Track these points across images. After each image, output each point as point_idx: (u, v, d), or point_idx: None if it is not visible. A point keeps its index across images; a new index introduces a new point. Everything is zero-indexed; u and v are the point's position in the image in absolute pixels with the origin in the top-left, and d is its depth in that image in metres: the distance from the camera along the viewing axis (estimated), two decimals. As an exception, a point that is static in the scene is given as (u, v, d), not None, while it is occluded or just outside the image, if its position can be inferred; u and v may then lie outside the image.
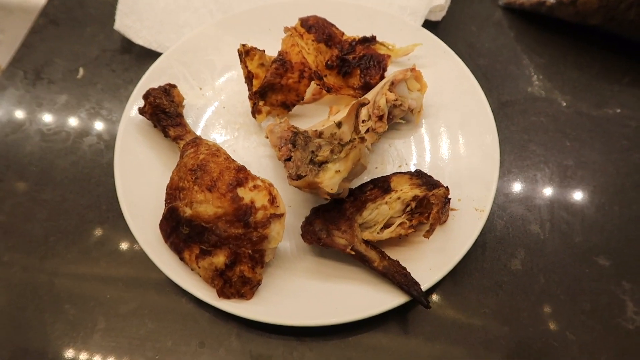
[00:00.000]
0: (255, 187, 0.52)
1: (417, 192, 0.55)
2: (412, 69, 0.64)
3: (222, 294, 0.51)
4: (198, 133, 0.65)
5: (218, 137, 0.66)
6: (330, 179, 0.50)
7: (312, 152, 0.53)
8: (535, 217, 0.61)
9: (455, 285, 0.57)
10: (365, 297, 0.52)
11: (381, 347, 0.53)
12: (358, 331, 0.54)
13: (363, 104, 0.55)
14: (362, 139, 0.51)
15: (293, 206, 0.60)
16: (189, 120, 0.66)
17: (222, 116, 0.67)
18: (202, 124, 0.67)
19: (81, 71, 0.74)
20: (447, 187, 0.56)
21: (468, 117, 0.64)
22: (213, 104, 0.68)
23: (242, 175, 0.52)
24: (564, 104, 0.70)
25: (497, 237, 0.60)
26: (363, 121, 0.61)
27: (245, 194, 0.51)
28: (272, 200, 0.51)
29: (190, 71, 0.69)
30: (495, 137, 0.61)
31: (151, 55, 0.72)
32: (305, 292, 0.54)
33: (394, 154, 0.64)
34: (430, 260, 0.54)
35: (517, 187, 0.63)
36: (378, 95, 0.61)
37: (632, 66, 0.73)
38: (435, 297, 0.56)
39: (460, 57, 0.69)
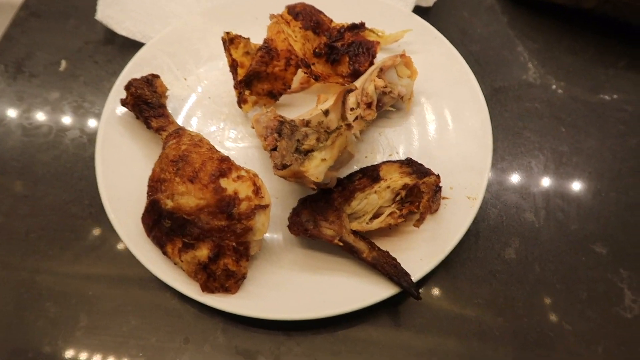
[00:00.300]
0: (239, 177, 0.50)
1: (407, 180, 0.54)
2: (402, 55, 0.62)
3: (206, 288, 0.50)
4: (182, 124, 0.64)
5: (203, 127, 0.64)
6: (316, 168, 0.49)
7: (298, 140, 0.52)
8: (530, 205, 0.59)
9: (448, 275, 0.55)
10: (354, 290, 0.51)
11: (371, 341, 0.51)
12: (347, 324, 0.52)
13: (350, 91, 0.53)
14: (349, 126, 0.49)
15: (280, 197, 0.59)
16: (173, 111, 0.64)
17: (208, 106, 0.66)
18: (187, 114, 0.65)
19: (63, 64, 0.72)
20: (438, 175, 0.55)
21: (460, 104, 0.62)
22: (198, 94, 0.66)
23: (225, 166, 0.50)
24: (559, 89, 0.68)
25: (491, 226, 0.58)
26: (352, 109, 0.59)
27: (229, 184, 0.49)
28: (257, 191, 0.50)
29: (175, 61, 0.68)
30: (487, 124, 0.59)
31: (135, 46, 0.70)
32: (292, 285, 0.52)
33: (384, 143, 0.62)
34: (422, 250, 0.53)
35: (511, 174, 0.62)
36: (366, 82, 0.59)
37: (628, 50, 0.72)
38: (427, 288, 0.54)
39: (453, 43, 0.68)
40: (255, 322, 0.52)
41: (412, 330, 0.52)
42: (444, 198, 0.56)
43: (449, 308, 0.53)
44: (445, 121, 0.62)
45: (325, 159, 0.49)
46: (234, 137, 0.63)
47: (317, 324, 0.51)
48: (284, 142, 0.53)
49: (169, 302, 0.54)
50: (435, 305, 0.54)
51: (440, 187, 0.55)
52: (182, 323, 0.53)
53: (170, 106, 0.64)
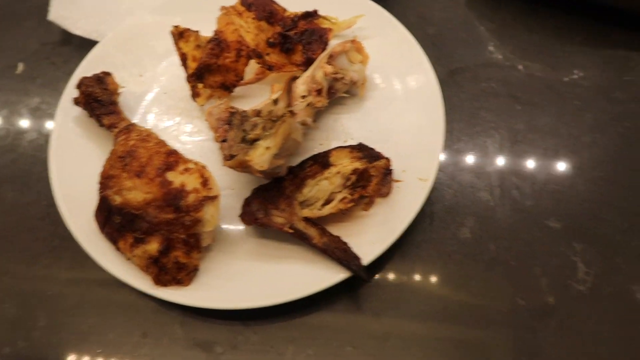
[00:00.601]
0: (186, 170, 0.50)
1: (358, 165, 0.54)
2: (353, 41, 0.62)
3: (158, 281, 0.50)
4: (139, 120, 0.64)
5: (160, 123, 0.64)
6: (260, 156, 0.49)
7: (244, 130, 0.52)
8: (485, 184, 0.59)
9: (403, 258, 0.55)
10: (307, 276, 0.51)
11: (327, 326, 0.52)
12: (303, 311, 0.52)
13: (294, 79, 0.53)
14: (292, 113, 0.49)
15: (237, 189, 0.59)
16: (129, 108, 0.64)
17: (163, 102, 0.66)
18: (143, 110, 0.65)
19: (20, 66, 0.72)
20: (388, 158, 0.55)
21: (413, 88, 0.62)
22: (154, 90, 0.66)
23: (172, 159, 0.51)
24: (515, 68, 0.69)
25: (446, 207, 0.58)
26: (303, 97, 0.59)
27: (175, 177, 0.49)
28: (205, 182, 0.50)
29: (129, 58, 0.68)
30: (439, 106, 0.59)
31: (92, 46, 0.70)
32: (248, 274, 0.52)
33: (339, 129, 0.62)
34: (374, 234, 0.53)
35: (466, 155, 0.62)
36: (316, 70, 0.59)
37: (585, 25, 0.72)
38: (383, 271, 0.55)
39: (410, 27, 0.68)
40: (213, 313, 0.52)
41: (368, 314, 0.53)
42: (396, 181, 0.56)
43: (404, 290, 0.54)
44: (399, 105, 0.62)
45: (269, 147, 0.49)
46: (189, 131, 0.63)
47: (274, 312, 0.52)
48: (233, 132, 0.53)
49: (127, 298, 0.54)
50: (390, 288, 0.54)
51: (391, 170, 0.55)
52: (140, 318, 0.54)
53: (126, 103, 0.64)
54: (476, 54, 0.70)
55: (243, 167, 0.50)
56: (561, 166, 0.60)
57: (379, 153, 0.56)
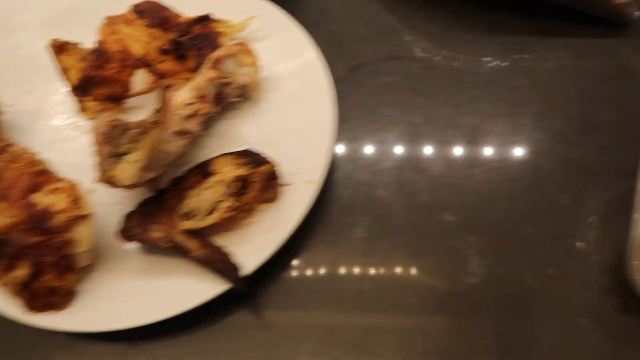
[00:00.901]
0: (55, 190, 0.48)
1: (241, 171, 0.53)
2: (240, 44, 0.61)
3: (31, 307, 0.48)
4: (28, 139, 0.61)
5: (48, 140, 0.62)
6: (126, 171, 0.47)
7: (118, 144, 0.50)
8: (382, 181, 0.59)
9: (300, 262, 0.54)
10: (188, 290, 0.50)
11: (212, 339, 0.50)
12: (189, 326, 0.51)
13: (169, 87, 0.52)
14: (158, 123, 0.48)
15: (126, 204, 0.57)
16: (18, 127, 0.62)
17: (54, 118, 0.64)
18: (32, 129, 0.63)
19: None
20: (273, 162, 0.54)
21: (307, 88, 0.61)
22: (45, 106, 0.64)
23: (40, 179, 0.49)
24: (416, 59, 0.68)
25: (342, 208, 0.57)
26: (190, 104, 0.58)
27: (41, 198, 0.47)
28: (75, 201, 0.48)
29: (19, 75, 0.65)
30: (330, 105, 0.58)
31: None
32: (131, 293, 0.51)
33: (233, 135, 0.61)
34: (260, 241, 0.52)
35: (364, 152, 0.61)
36: (200, 75, 0.58)
37: (486, 13, 0.71)
38: (272, 280, 0.53)
39: (311, 24, 0.67)
40: (99, 335, 0.51)
41: (259, 325, 0.51)
42: (284, 185, 0.55)
43: (295, 299, 0.53)
44: (292, 106, 0.61)
45: (136, 161, 0.47)
46: (78, 147, 0.61)
47: (160, 329, 0.50)
48: (107, 147, 0.51)
49: (10, 325, 0.52)
50: (280, 296, 0.53)
51: (276, 175, 0.54)
52: (25, 343, 0.52)
53: (16, 122, 0.62)
54: (378, 48, 0.69)
55: (111, 183, 0.48)
56: (457, 158, 0.60)
57: (265, 158, 0.55)
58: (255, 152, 0.55)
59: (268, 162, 0.54)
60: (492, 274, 0.52)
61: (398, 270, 0.53)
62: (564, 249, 0.53)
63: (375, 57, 0.68)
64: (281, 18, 0.66)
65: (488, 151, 0.60)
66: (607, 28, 0.68)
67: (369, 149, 0.61)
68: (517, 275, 0.52)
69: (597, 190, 0.56)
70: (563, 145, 0.60)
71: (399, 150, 0.61)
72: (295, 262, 0.54)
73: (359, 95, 0.65)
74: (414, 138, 0.61)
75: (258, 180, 0.51)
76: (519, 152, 0.59)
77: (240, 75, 0.60)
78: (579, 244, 0.53)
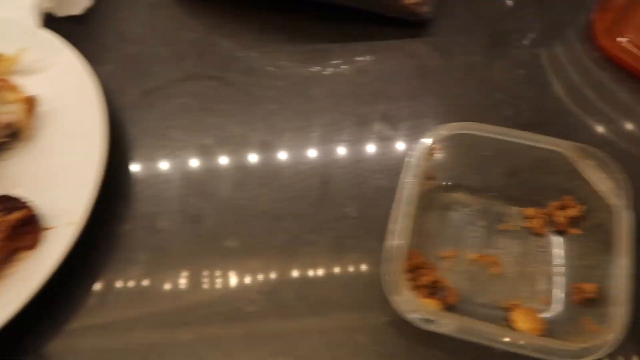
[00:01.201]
0: None
1: (-10, 222, 0.48)
2: (1, 80, 0.56)
3: None
4: None
5: None
6: None
7: None
8: (166, 211, 0.56)
9: (67, 315, 0.50)
10: None
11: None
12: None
13: None
14: None
15: None
16: None
17: None
18: None
19: None
20: (29, 207, 0.50)
21: (80, 123, 0.57)
22: None
23: None
24: (211, 78, 0.65)
25: (120, 245, 0.54)
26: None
27: None
28: None
29: None
30: (99, 139, 0.55)
31: None
32: None
33: (5, 178, 0.56)
34: (14, 294, 0.47)
35: (149, 182, 0.58)
36: (-53, 120, 0.53)
37: (289, 23, 0.70)
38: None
39: (108, 48, 0.64)
40: None
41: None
42: (48, 229, 0.51)
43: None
44: (62, 144, 0.57)
45: None
46: None
47: None
48: None
49: None
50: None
51: (34, 220, 0.50)
52: None
53: None
54: (173, 69, 0.66)
55: None
56: (245, 178, 0.58)
57: (23, 202, 0.51)
58: (14, 197, 0.51)
59: (24, 207, 0.50)
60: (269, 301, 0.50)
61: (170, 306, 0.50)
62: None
63: (170, 79, 0.65)
64: (58, 46, 0.62)
65: (277, 167, 0.58)
66: (406, 29, 0.68)
67: (155, 178, 0.58)
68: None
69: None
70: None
71: (186, 175, 0.58)
72: (63, 315, 0.50)
73: (150, 121, 0.62)
74: (202, 162, 0.59)
75: (3, 230, 0.47)
76: (307, 165, 0.58)
77: (4, 114, 0.56)
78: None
